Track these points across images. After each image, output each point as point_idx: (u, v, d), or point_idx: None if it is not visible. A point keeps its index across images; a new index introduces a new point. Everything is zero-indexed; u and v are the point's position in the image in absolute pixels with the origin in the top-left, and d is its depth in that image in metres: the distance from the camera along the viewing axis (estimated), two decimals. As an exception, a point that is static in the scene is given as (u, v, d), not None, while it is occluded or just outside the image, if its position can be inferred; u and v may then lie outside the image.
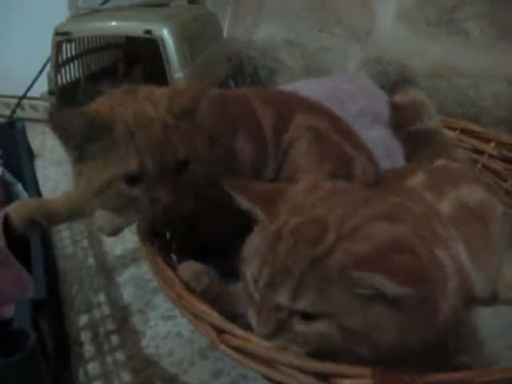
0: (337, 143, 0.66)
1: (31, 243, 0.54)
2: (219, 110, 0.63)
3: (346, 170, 0.65)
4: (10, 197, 0.77)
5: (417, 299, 0.36)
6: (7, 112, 1.42)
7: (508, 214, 0.63)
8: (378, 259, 0.36)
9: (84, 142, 0.49)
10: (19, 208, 0.60)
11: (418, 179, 0.64)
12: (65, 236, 0.83)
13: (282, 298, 0.37)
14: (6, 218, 0.57)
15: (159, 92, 0.54)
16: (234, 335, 0.40)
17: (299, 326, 0.38)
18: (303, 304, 0.37)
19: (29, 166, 0.74)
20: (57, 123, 0.49)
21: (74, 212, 0.63)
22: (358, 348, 0.37)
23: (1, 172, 0.80)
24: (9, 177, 0.81)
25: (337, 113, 0.89)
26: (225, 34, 1.44)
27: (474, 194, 0.61)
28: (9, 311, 0.53)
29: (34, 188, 0.71)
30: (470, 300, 0.53)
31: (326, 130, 0.66)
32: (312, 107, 0.70)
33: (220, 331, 0.41)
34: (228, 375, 0.54)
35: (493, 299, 0.58)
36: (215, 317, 0.42)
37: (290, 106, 0.67)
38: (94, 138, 0.49)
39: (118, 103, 0.52)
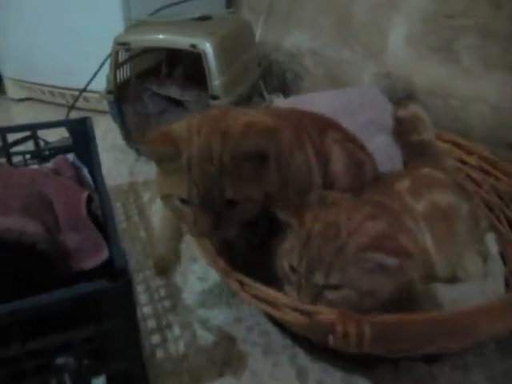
0: (352, 150, 0.82)
1: (106, 217, 0.72)
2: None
3: (360, 171, 0.81)
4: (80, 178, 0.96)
5: (398, 267, 0.56)
6: (63, 101, 1.63)
7: (472, 214, 0.80)
8: (377, 245, 0.55)
9: (159, 160, 0.60)
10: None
11: (403, 184, 0.80)
12: (120, 213, 1.03)
13: (319, 278, 0.56)
14: (88, 197, 0.76)
15: (237, 126, 0.56)
16: (251, 286, 0.58)
17: (330, 295, 0.56)
18: (333, 280, 0.55)
19: (96, 155, 0.92)
20: (141, 140, 0.60)
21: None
22: (366, 302, 0.56)
23: (72, 158, 0.99)
24: (78, 162, 0.99)
25: (349, 121, 1.07)
26: (257, 37, 1.60)
27: (444, 197, 0.77)
28: (88, 264, 0.71)
29: (100, 173, 0.88)
30: (430, 275, 0.70)
31: (343, 140, 0.81)
32: (331, 123, 0.85)
33: (242, 284, 0.59)
34: (246, 321, 0.74)
35: (453, 279, 0.74)
36: (239, 274, 0.60)
37: (324, 125, 0.81)
38: (165, 159, 0.58)
39: (197, 130, 0.57)
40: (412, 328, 0.51)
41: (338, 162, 0.77)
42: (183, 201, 0.58)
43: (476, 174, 0.93)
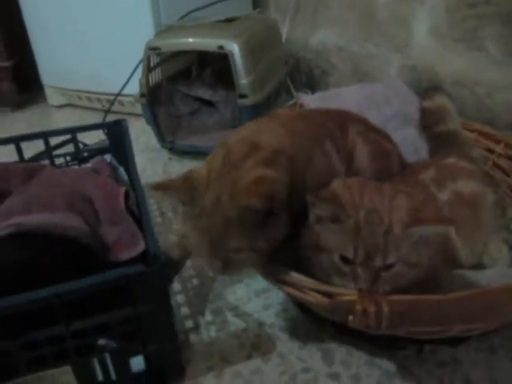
0: (377, 140, 0.82)
1: (141, 211, 0.77)
2: None
3: (386, 162, 0.82)
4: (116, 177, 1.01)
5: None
6: (99, 106, 1.71)
7: (498, 203, 0.80)
8: (418, 218, 0.58)
9: (182, 203, 0.63)
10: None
11: (428, 174, 0.81)
12: (154, 209, 1.08)
13: (379, 261, 0.57)
14: (125, 193, 0.81)
15: (246, 180, 0.58)
16: (276, 271, 0.61)
17: (385, 274, 0.58)
18: (391, 260, 0.57)
19: (131, 155, 0.97)
20: (163, 186, 0.62)
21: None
22: (413, 273, 0.58)
23: (109, 159, 1.05)
24: (114, 162, 1.05)
25: (375, 114, 1.09)
26: (284, 36, 1.64)
27: (468, 186, 0.78)
28: (125, 255, 0.76)
29: (135, 171, 0.93)
30: (454, 262, 0.71)
31: (366, 131, 0.81)
32: (352, 116, 0.85)
33: (267, 269, 0.63)
34: (274, 308, 0.77)
35: (479, 266, 0.75)
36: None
37: (343, 120, 0.80)
38: (185, 204, 0.62)
39: (216, 177, 0.60)
40: (430, 307, 0.53)
41: (362, 155, 0.77)
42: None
43: (503, 162, 0.93)
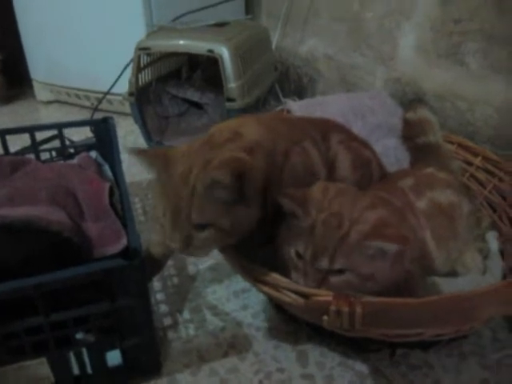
0: (358, 148, 0.84)
1: (124, 207, 0.77)
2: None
3: (367, 169, 0.84)
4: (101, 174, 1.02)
5: (397, 253, 0.59)
6: (88, 103, 1.71)
7: (473, 213, 0.83)
8: (378, 232, 0.59)
9: (156, 173, 0.64)
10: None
11: (407, 182, 0.83)
12: (138, 207, 1.09)
13: (324, 263, 0.59)
14: (110, 188, 0.82)
15: (219, 158, 0.58)
16: (254, 270, 0.62)
17: (333, 279, 0.59)
18: (337, 265, 0.58)
19: (117, 152, 0.98)
20: (138, 152, 0.63)
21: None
22: (367, 285, 0.59)
23: (95, 156, 1.05)
24: (100, 159, 1.05)
25: (359, 124, 1.11)
26: (274, 43, 1.66)
27: (445, 196, 0.80)
28: (108, 250, 0.76)
29: (120, 168, 0.94)
30: (429, 269, 0.73)
31: (348, 140, 0.83)
32: (334, 125, 0.87)
33: (246, 268, 0.64)
34: (252, 308, 0.78)
35: (453, 274, 0.77)
36: (244, 261, 0.64)
37: (326, 128, 0.82)
38: (159, 173, 0.63)
39: (188, 155, 0.61)
40: (402, 309, 0.55)
41: (344, 163, 0.79)
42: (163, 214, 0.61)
43: (480, 175, 0.96)
